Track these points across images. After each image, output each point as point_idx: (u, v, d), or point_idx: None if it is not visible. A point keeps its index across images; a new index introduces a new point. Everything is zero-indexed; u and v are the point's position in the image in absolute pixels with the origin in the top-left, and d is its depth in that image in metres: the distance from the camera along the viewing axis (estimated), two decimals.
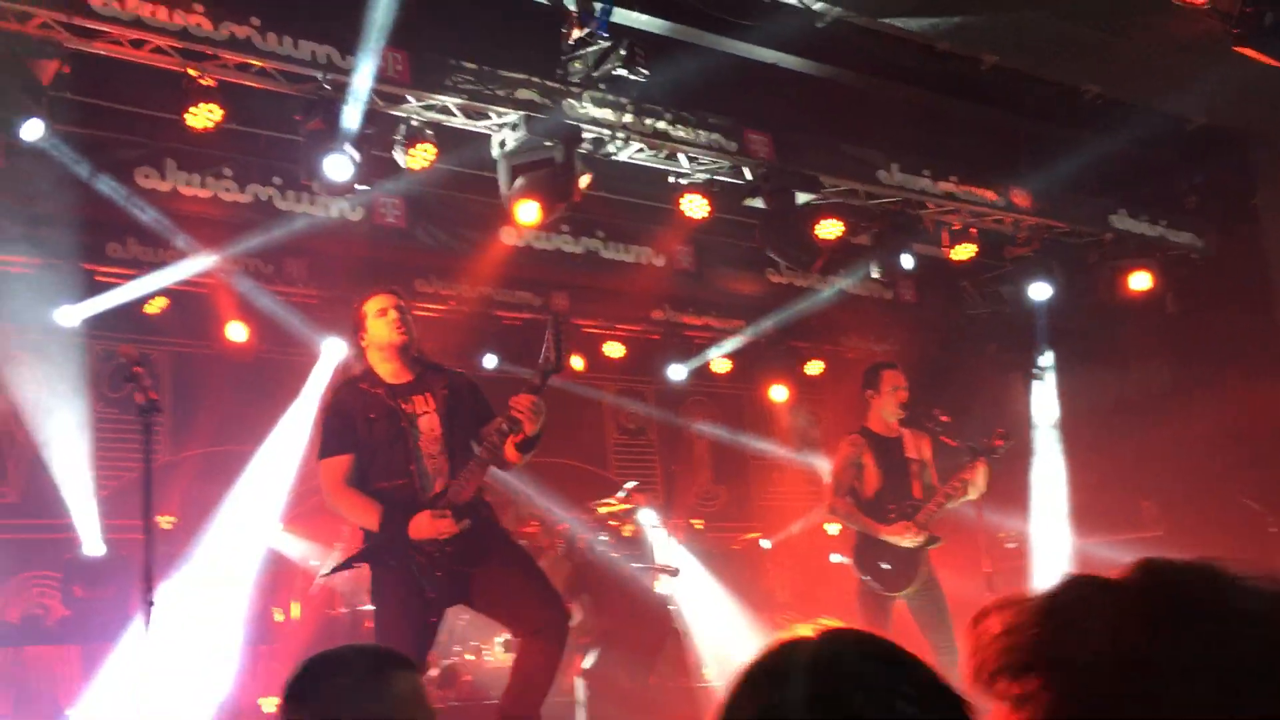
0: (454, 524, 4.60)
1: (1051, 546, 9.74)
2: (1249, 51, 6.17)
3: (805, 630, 1.26)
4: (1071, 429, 10.58)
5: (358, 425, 4.78)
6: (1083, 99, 8.72)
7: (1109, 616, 1.07)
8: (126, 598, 7.34)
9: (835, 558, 9.80)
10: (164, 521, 7.91)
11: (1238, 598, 1.01)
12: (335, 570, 5.05)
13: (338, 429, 4.82)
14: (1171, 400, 9.63)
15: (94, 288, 8.04)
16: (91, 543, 8.05)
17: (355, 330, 4.98)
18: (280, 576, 8.30)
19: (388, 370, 4.91)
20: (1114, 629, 1.06)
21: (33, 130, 5.78)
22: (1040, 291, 9.44)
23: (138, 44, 5.93)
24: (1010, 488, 8.95)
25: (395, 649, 4.37)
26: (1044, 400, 10.85)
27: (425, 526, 4.60)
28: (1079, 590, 1.12)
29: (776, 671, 1.20)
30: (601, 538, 8.74)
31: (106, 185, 7.04)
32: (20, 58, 5.71)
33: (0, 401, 8.37)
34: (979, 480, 6.58)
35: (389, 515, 4.65)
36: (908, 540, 6.65)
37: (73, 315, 8.00)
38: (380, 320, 4.87)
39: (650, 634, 8.42)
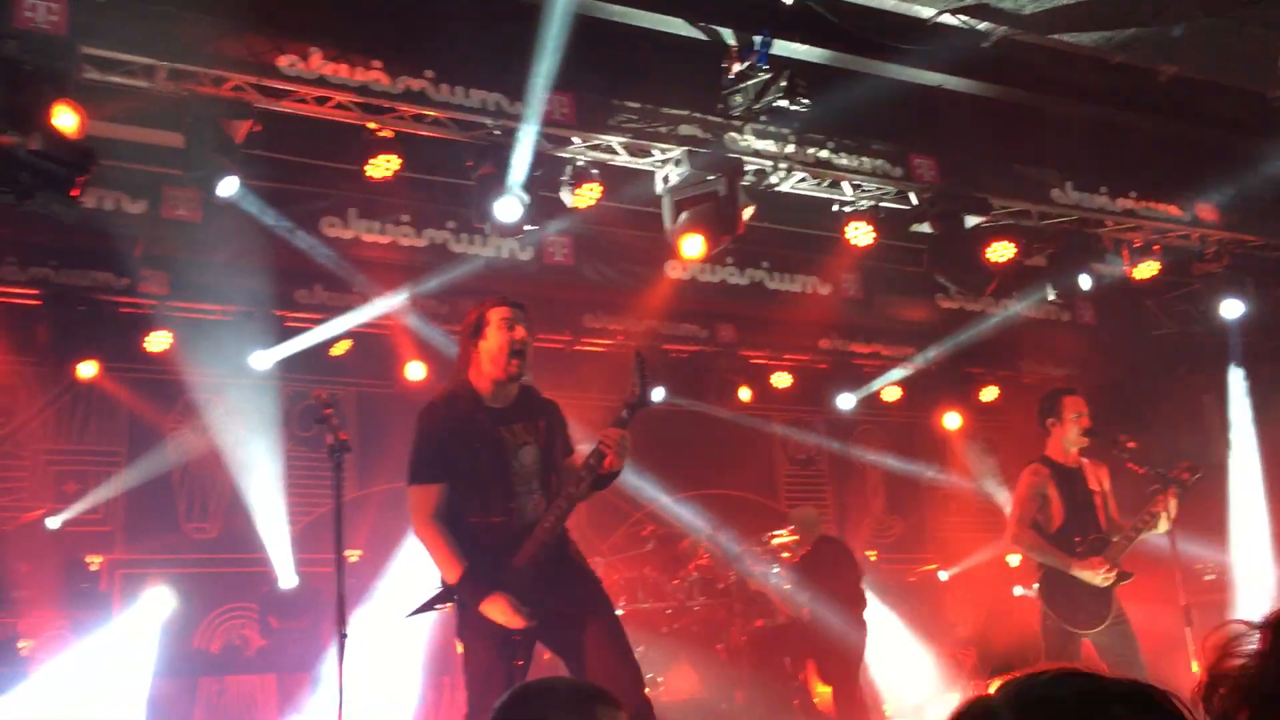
0: (527, 620, 4.30)
1: (1254, 577, 9.18)
2: None
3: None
4: (1271, 453, 9.99)
5: (458, 453, 4.51)
6: (1269, 105, 8.27)
7: None
8: (320, 628, 7.67)
9: (1018, 590, 9.47)
10: (351, 555, 8.24)
11: None
12: (418, 611, 4.74)
13: (431, 455, 4.54)
14: None
15: (284, 333, 8.47)
16: (286, 576, 8.44)
17: (473, 334, 4.62)
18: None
19: (488, 388, 4.59)
20: None
21: (228, 187, 6.14)
22: (1232, 309, 8.95)
23: (321, 101, 6.25)
24: (1207, 517, 8.51)
25: (496, 689, 4.22)
26: (1241, 424, 10.28)
27: (498, 613, 4.32)
28: None
29: (980, 710, 1.21)
30: (775, 570, 8.68)
31: (294, 235, 7.42)
32: (215, 119, 6.09)
33: (201, 443, 8.89)
34: (1169, 512, 6.27)
35: (469, 583, 4.37)
36: (1100, 577, 6.37)
37: (265, 360, 8.44)
38: (502, 333, 4.54)
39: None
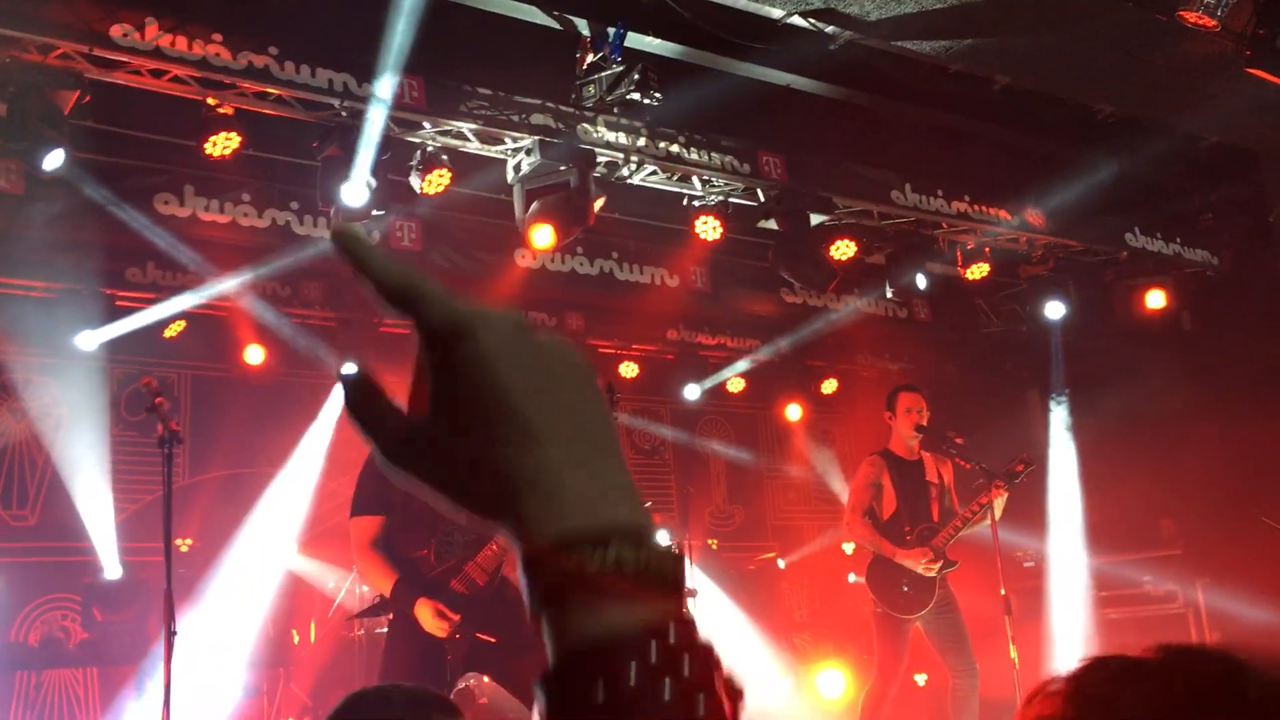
0: (449, 626, 4.63)
1: (1069, 566, 9.71)
2: (1260, 72, 6.19)
3: None
4: (1088, 447, 10.55)
5: (393, 490, 4.83)
6: (1096, 118, 8.72)
7: (1133, 701, 1.09)
8: (145, 620, 7.40)
9: (852, 577, 9.78)
10: (182, 544, 7.96)
11: (1250, 688, 1.03)
12: (365, 614, 5.14)
13: (373, 490, 4.88)
14: (1189, 418, 9.60)
15: (114, 312, 8.10)
16: (110, 566, 8.10)
17: None
18: (297, 599, 8.34)
19: None
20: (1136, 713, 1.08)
21: (54, 160, 5.84)
22: (1055, 310, 9.43)
23: (157, 74, 5.99)
24: (1027, 507, 8.93)
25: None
26: (1061, 418, 10.82)
27: (426, 618, 4.65)
28: (1105, 672, 1.15)
29: None
30: None
31: (126, 212, 7.10)
32: (41, 88, 5.78)
33: (20, 426, 8.45)
34: (996, 506, 6.58)
35: (401, 587, 4.73)
36: (922, 566, 6.65)
37: (93, 340, 8.06)
38: None
39: None
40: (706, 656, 0.68)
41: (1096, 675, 1.12)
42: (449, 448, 0.72)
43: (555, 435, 0.71)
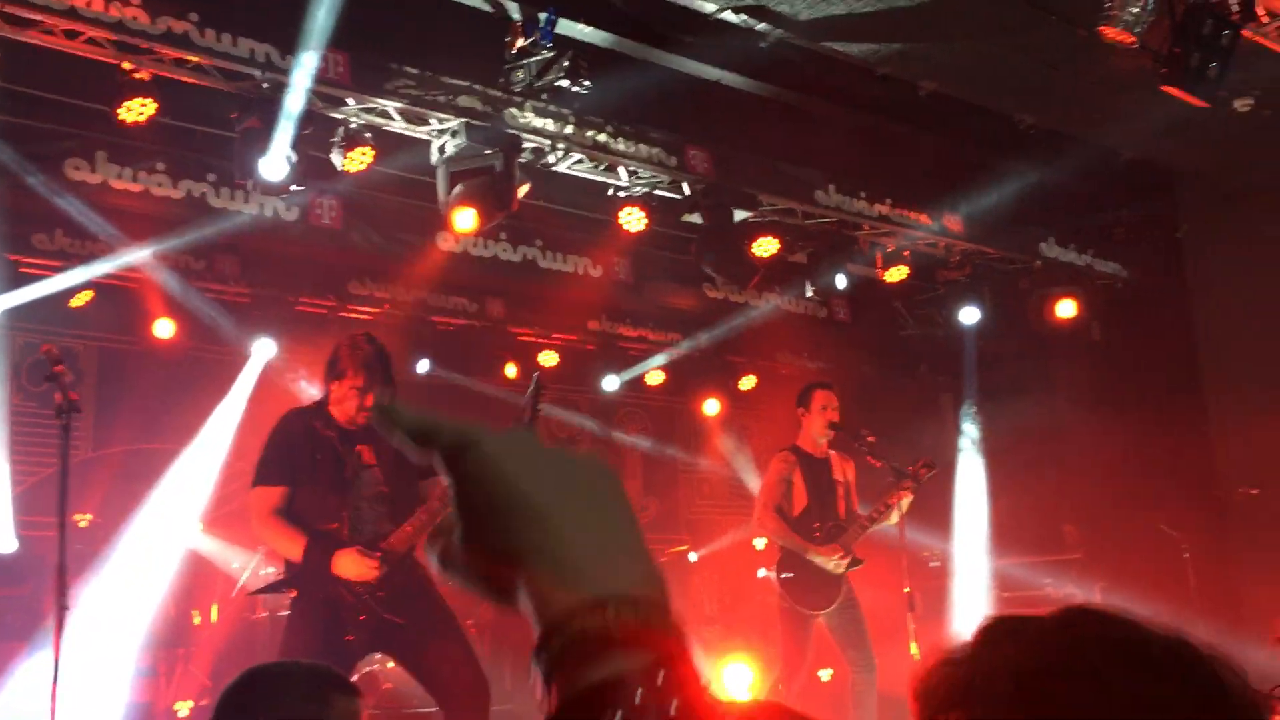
0: (379, 567, 4.54)
1: (972, 567, 9.90)
2: (1175, 91, 6.34)
3: None
4: (996, 451, 10.77)
5: (300, 461, 4.71)
6: (1017, 128, 8.88)
7: (1031, 651, 1.08)
8: (40, 597, 7.18)
9: (761, 572, 9.86)
10: (81, 520, 7.74)
11: (1150, 647, 1.04)
12: (264, 591, 5.00)
13: (278, 459, 4.75)
14: (1093, 426, 9.85)
15: (18, 279, 7.85)
16: (5, 539, 7.86)
17: (329, 375, 4.83)
18: (200, 579, 8.17)
19: (341, 412, 4.81)
20: (1026, 658, 1.07)
21: None
22: (970, 315, 9.61)
23: (72, 35, 5.82)
24: (934, 508, 9.09)
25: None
26: (970, 422, 11.03)
27: (350, 565, 4.55)
28: (1001, 627, 1.15)
29: None
30: None
31: (34, 176, 6.88)
32: None
33: None
34: (902, 505, 6.69)
35: (314, 547, 4.60)
36: (833, 564, 6.74)
37: None
38: (353, 399, 4.75)
39: None
40: (694, 697, 0.76)
41: (996, 626, 1.13)
42: (473, 545, 0.82)
43: (560, 510, 0.80)
